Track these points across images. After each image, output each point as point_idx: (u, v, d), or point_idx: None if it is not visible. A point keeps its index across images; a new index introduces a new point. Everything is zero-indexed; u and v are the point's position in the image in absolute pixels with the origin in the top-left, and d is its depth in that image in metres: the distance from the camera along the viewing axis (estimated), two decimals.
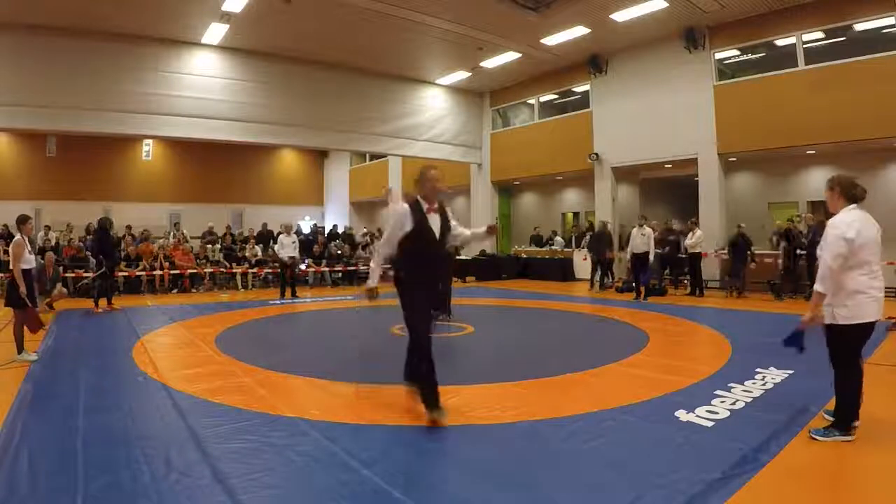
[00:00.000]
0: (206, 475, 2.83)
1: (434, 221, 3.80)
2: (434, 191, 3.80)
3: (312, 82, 14.84)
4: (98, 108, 12.09)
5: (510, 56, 14.79)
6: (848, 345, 3.27)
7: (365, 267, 16.05)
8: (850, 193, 3.27)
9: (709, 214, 12.99)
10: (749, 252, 10.99)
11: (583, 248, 15.15)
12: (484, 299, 11.54)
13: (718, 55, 12.92)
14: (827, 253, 3.17)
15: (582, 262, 15.17)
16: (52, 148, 18.84)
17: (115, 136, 15.52)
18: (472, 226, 17.70)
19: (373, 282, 3.96)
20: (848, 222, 3.17)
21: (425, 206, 3.79)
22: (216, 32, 12.65)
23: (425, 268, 3.84)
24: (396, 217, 3.77)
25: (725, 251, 11.80)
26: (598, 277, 13.19)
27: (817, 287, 3.20)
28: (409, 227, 3.71)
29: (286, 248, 11.46)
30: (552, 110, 17.38)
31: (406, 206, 3.77)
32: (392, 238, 3.78)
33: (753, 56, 12.76)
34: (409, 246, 3.75)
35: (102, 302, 9.71)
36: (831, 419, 3.37)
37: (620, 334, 7.28)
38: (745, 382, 4.49)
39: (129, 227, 14.55)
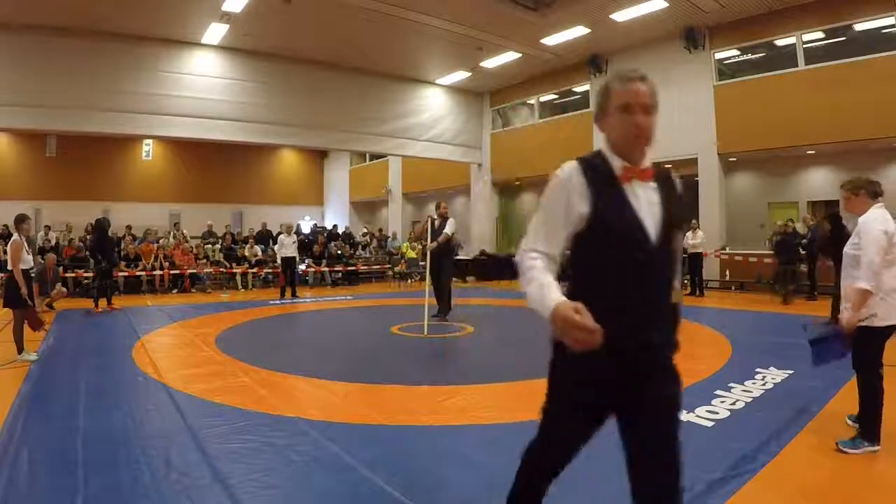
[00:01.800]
0: (206, 475, 2.83)
1: (644, 200, 1.66)
2: (639, 130, 1.66)
3: (312, 82, 14.84)
4: (98, 108, 12.09)
5: (510, 56, 14.79)
6: (878, 348, 3.14)
7: (366, 267, 16.07)
8: (874, 191, 3.23)
9: (709, 214, 13.00)
10: (798, 246, 10.37)
11: None
12: (484, 299, 11.54)
13: (718, 55, 12.92)
14: (871, 248, 3.00)
15: None
16: (52, 148, 18.83)
17: (115, 136, 15.53)
18: (472, 226, 17.53)
19: (549, 296, 1.56)
20: (883, 217, 3.11)
21: (618, 166, 1.68)
22: (216, 32, 12.64)
23: (617, 310, 1.58)
24: (551, 193, 1.75)
25: (772, 251, 10.93)
26: None
27: (863, 284, 2.96)
28: (584, 208, 1.64)
29: (286, 248, 11.46)
30: (552, 110, 17.37)
31: (572, 165, 1.74)
32: (547, 230, 1.74)
33: (753, 56, 12.76)
34: (587, 256, 1.70)
35: (102, 302, 9.71)
36: (854, 424, 3.26)
37: None
38: (745, 382, 4.49)
39: (128, 228, 14.55)
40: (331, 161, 25.75)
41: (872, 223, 3.09)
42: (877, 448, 3.06)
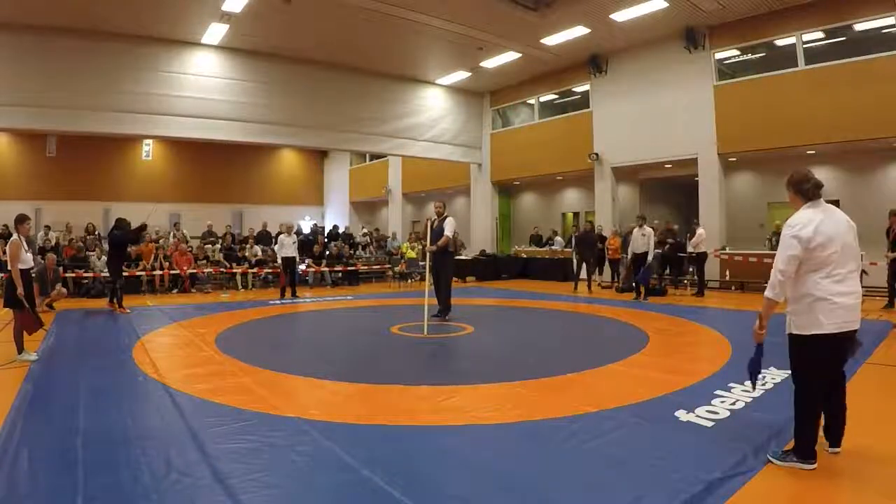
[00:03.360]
0: (206, 475, 2.83)
1: None
2: None
3: (312, 82, 14.85)
4: (98, 108, 12.10)
5: (510, 56, 14.79)
6: (808, 359, 2.90)
7: (366, 267, 16.05)
8: (802, 189, 2.92)
9: (709, 214, 13.00)
10: None
11: (566, 248, 15.16)
12: (484, 299, 11.54)
13: (718, 55, 12.93)
14: (779, 254, 2.83)
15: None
16: (52, 148, 18.84)
17: (115, 136, 15.55)
18: (471, 226, 17.62)
19: None
20: (803, 221, 2.84)
21: None
22: (216, 32, 12.65)
23: None
24: None
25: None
26: (592, 277, 13.20)
27: (766, 293, 2.87)
28: None
29: (286, 248, 11.45)
30: (552, 110, 17.38)
31: None
32: None
33: (753, 56, 12.77)
34: None
35: (105, 302, 9.72)
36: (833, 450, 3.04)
37: (620, 334, 7.28)
38: (746, 382, 4.47)
39: None
40: (331, 161, 25.76)
41: (788, 226, 2.87)
42: (811, 466, 2.85)
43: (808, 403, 2.91)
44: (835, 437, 3.01)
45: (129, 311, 9.36)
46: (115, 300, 9.58)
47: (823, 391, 2.94)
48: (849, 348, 2.96)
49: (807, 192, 2.92)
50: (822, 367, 2.91)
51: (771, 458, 2.96)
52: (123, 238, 9.82)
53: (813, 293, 2.82)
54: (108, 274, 10.14)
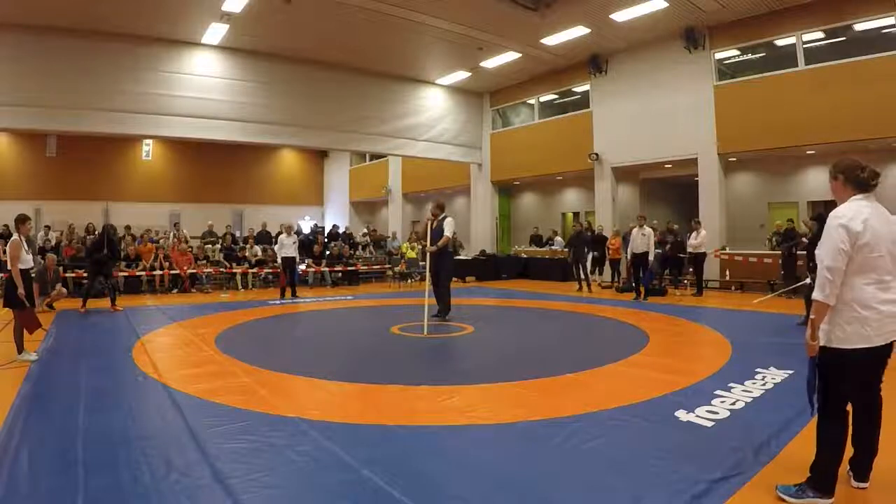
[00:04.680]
0: (206, 475, 2.83)
1: None
2: None
3: (312, 82, 14.86)
4: (98, 108, 12.11)
5: (510, 56, 14.80)
6: (846, 378, 2.47)
7: (366, 267, 16.07)
8: (856, 177, 2.52)
9: (709, 214, 12.99)
10: (793, 246, 10.18)
11: (564, 248, 15.16)
12: (484, 299, 11.53)
13: (718, 55, 12.93)
14: (825, 249, 2.41)
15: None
16: (52, 148, 18.85)
17: (115, 136, 15.56)
18: (471, 226, 17.65)
19: None
20: (852, 212, 2.44)
21: None
22: (216, 32, 12.66)
23: None
24: None
25: (791, 248, 10.52)
26: (592, 277, 13.22)
27: (816, 295, 2.42)
28: None
29: (286, 248, 11.45)
30: (552, 110, 17.38)
31: None
32: None
33: (753, 56, 12.77)
34: None
35: (106, 302, 9.73)
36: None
37: (620, 334, 7.28)
38: (745, 382, 4.49)
39: (128, 227, 14.55)
40: (331, 161, 25.77)
41: (836, 217, 2.45)
42: (829, 501, 2.49)
43: (835, 429, 2.51)
44: (862, 469, 2.62)
45: (85, 310, 9.36)
46: (115, 301, 9.65)
47: (847, 414, 2.54)
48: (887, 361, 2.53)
49: (863, 181, 2.52)
50: (858, 386, 2.52)
51: (782, 495, 2.53)
52: (112, 258, 10.20)
53: (856, 302, 2.41)
54: (104, 276, 10.10)
